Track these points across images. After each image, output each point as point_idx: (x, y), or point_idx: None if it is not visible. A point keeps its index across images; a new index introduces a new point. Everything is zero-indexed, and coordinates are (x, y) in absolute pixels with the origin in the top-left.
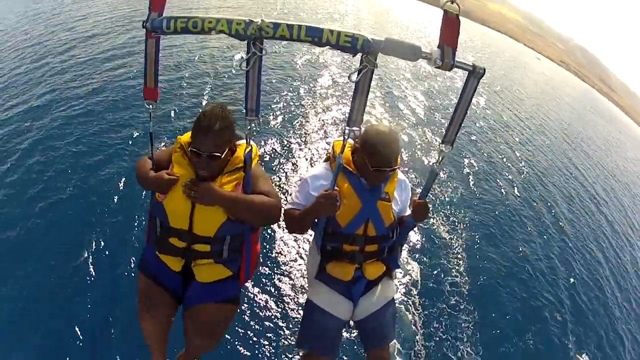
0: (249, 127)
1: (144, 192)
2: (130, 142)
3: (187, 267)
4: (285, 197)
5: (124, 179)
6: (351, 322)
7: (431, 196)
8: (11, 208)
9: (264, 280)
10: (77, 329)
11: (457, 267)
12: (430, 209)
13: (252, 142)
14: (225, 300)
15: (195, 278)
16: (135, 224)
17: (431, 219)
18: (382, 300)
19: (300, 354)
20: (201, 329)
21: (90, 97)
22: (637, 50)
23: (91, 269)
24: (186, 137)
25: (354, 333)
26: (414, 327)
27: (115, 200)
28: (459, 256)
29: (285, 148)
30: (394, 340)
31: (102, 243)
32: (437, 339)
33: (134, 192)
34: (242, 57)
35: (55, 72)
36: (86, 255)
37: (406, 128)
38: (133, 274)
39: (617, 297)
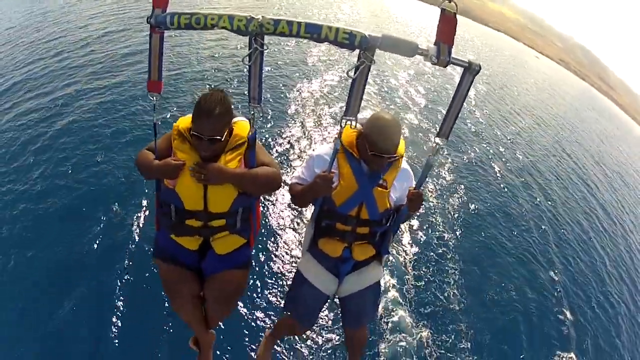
0: (252, 112)
1: (146, 182)
2: (132, 134)
3: (203, 244)
4: (285, 172)
5: (127, 170)
6: (335, 299)
7: (429, 187)
8: (12, 203)
9: (267, 248)
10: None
11: (451, 257)
12: (424, 199)
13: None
14: (241, 265)
15: (215, 251)
16: (141, 213)
17: (426, 210)
18: (367, 281)
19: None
20: (223, 295)
21: (93, 93)
22: (637, 49)
23: (99, 261)
24: (183, 122)
25: (337, 310)
26: (406, 314)
27: (119, 191)
28: (453, 246)
29: (284, 134)
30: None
31: (109, 234)
32: (430, 325)
33: (138, 182)
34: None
35: (59, 67)
36: (94, 246)
37: (402, 121)
38: (144, 263)
39: (618, 290)
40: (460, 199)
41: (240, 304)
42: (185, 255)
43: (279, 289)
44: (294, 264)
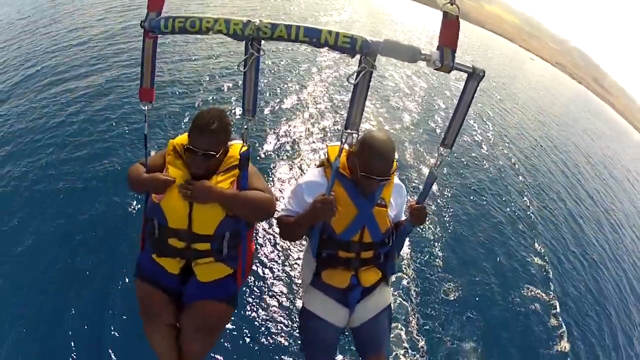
0: (245, 127)
1: (136, 197)
2: (123, 145)
3: (185, 268)
4: (278, 199)
5: (116, 182)
6: (347, 329)
7: (428, 200)
8: None
9: (259, 285)
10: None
11: (453, 268)
12: (428, 212)
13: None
14: (224, 298)
15: (197, 278)
16: (127, 230)
17: (428, 223)
18: (379, 307)
19: None
20: (199, 326)
21: (83, 99)
22: (633, 53)
23: (82, 279)
24: (179, 139)
25: (350, 338)
26: (410, 329)
27: (106, 205)
28: (455, 257)
29: (280, 149)
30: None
31: (93, 251)
32: (434, 340)
33: (126, 197)
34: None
35: (48, 71)
36: (77, 263)
37: (404, 131)
38: (127, 282)
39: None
40: (457, 210)
41: (237, 347)
42: (166, 279)
43: (281, 328)
44: (295, 301)
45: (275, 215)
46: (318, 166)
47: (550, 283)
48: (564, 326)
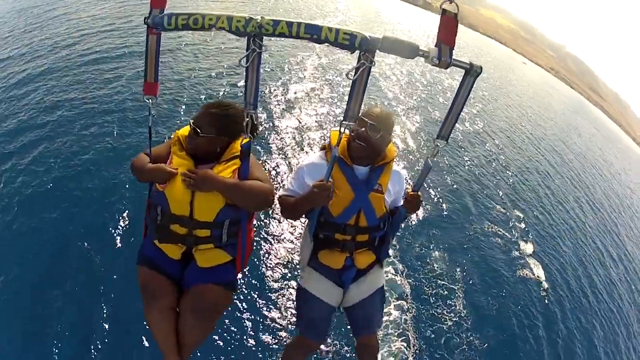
0: (247, 119)
1: (138, 186)
2: (128, 138)
3: (186, 254)
4: (280, 185)
5: (122, 174)
6: (341, 308)
7: (425, 187)
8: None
9: (258, 265)
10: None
11: (447, 258)
12: (422, 201)
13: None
14: (223, 283)
15: (197, 263)
16: (131, 219)
17: (424, 211)
18: (372, 288)
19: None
20: (198, 309)
21: (89, 93)
22: (629, 60)
23: (85, 265)
24: (183, 131)
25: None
26: (404, 314)
27: (111, 195)
28: (449, 248)
29: (281, 140)
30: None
31: (96, 240)
32: (428, 326)
33: (131, 186)
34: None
35: (55, 67)
36: (80, 251)
37: (402, 124)
38: (125, 267)
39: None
40: (450, 200)
41: (238, 327)
42: (167, 264)
43: (278, 306)
44: (292, 282)
45: (277, 194)
46: (320, 149)
47: (544, 272)
48: (555, 313)
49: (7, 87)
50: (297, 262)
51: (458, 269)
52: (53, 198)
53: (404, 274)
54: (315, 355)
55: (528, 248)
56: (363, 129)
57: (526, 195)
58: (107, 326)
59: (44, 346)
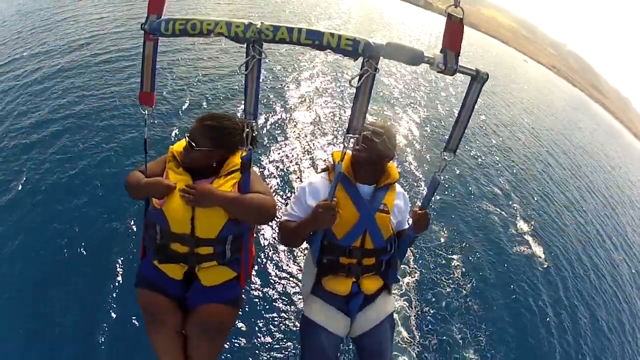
0: (247, 129)
1: (134, 203)
2: (122, 149)
3: (188, 274)
4: (280, 203)
5: (115, 187)
6: (349, 339)
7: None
8: None
9: (261, 290)
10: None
11: (458, 276)
12: (431, 219)
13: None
14: (229, 301)
15: (201, 282)
16: (127, 235)
17: (431, 229)
18: (381, 315)
19: None
20: (206, 330)
21: (83, 102)
22: (630, 57)
23: (79, 285)
24: (177, 146)
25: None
26: (412, 337)
27: (104, 210)
28: (460, 265)
29: (282, 153)
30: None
31: (90, 259)
32: (436, 347)
33: (125, 202)
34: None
35: (50, 74)
36: (84, 250)
37: (407, 135)
38: (123, 290)
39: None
40: (453, 181)
41: (241, 341)
42: (169, 284)
43: (280, 321)
44: (295, 305)
45: (278, 220)
46: (322, 171)
47: (543, 248)
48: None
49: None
50: (300, 285)
51: (458, 242)
52: (61, 194)
53: (413, 296)
54: None
55: (527, 227)
56: (366, 132)
57: (527, 179)
58: (110, 325)
59: (46, 343)
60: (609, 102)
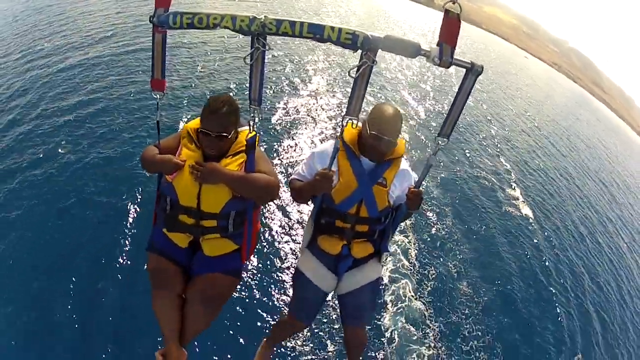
0: (252, 115)
1: (147, 177)
2: (138, 132)
3: (193, 243)
4: (287, 175)
5: (131, 165)
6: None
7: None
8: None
9: (265, 249)
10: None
11: (455, 256)
12: (424, 198)
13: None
14: (229, 271)
15: (204, 252)
16: (140, 209)
17: (427, 208)
18: (366, 279)
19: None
20: (205, 297)
21: (101, 91)
22: (632, 54)
23: (96, 255)
24: (192, 124)
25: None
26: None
27: (122, 186)
28: (455, 245)
29: (285, 134)
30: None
31: (108, 229)
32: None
33: (140, 178)
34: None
35: (67, 67)
36: (91, 240)
37: (404, 121)
38: (138, 258)
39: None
40: (452, 164)
41: (239, 309)
42: (175, 252)
43: (279, 293)
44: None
45: (289, 179)
46: (335, 138)
47: (532, 211)
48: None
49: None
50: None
51: (449, 206)
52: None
53: (407, 266)
54: (305, 345)
55: (518, 193)
56: (378, 143)
57: (523, 159)
58: (112, 311)
59: (49, 332)
60: (610, 98)
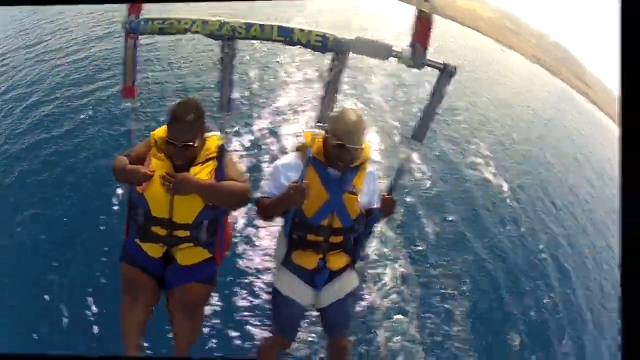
0: (222, 121)
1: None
2: (108, 140)
3: (166, 253)
4: (256, 184)
5: (102, 173)
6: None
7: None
8: None
9: (236, 264)
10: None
11: (436, 260)
12: (398, 203)
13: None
14: (203, 279)
15: (177, 261)
16: (113, 219)
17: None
18: (344, 290)
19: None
20: (185, 307)
21: (70, 99)
22: (614, 47)
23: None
24: (159, 131)
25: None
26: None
27: (92, 196)
28: (435, 252)
29: (256, 140)
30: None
31: (79, 240)
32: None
33: (112, 187)
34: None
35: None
36: (62, 250)
37: (375, 124)
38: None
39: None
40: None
41: (216, 321)
42: (149, 262)
43: (256, 304)
44: (268, 278)
45: (254, 197)
46: (296, 150)
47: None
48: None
49: None
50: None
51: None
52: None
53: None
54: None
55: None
56: (344, 153)
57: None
58: (99, 311)
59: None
60: (593, 92)
